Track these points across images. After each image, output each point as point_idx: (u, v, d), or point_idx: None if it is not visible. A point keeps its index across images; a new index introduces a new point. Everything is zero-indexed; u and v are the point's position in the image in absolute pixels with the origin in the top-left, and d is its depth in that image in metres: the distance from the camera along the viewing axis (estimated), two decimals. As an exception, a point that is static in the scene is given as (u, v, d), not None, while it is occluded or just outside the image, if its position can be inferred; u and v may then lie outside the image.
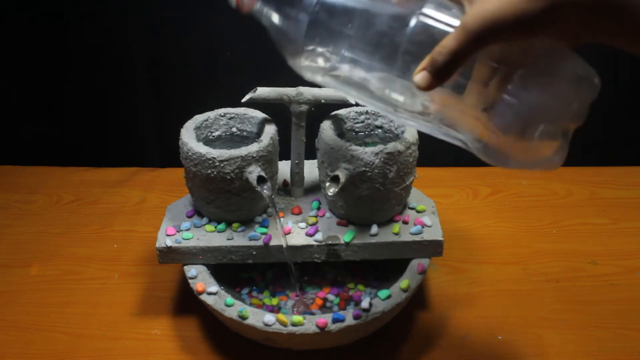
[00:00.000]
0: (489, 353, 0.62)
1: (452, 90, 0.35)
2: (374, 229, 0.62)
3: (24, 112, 0.94)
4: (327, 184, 0.59)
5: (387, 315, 0.57)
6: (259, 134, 0.65)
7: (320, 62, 0.37)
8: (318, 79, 0.39)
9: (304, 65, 0.37)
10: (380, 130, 0.68)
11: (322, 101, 0.63)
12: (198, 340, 0.64)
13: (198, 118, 0.66)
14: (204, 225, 0.64)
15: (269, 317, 0.55)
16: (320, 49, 0.36)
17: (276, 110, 0.66)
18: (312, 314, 0.63)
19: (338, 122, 0.66)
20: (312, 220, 0.64)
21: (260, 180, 0.59)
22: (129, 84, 0.90)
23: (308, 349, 0.60)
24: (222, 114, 0.67)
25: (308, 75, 0.40)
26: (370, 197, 0.60)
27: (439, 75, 0.34)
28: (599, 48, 0.91)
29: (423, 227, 0.63)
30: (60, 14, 0.84)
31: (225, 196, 0.61)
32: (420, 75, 0.34)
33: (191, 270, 0.61)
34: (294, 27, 0.36)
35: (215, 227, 0.63)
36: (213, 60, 0.88)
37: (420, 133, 0.62)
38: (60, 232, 0.82)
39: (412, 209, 0.67)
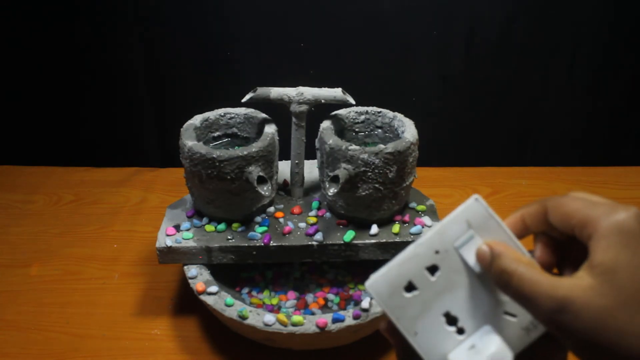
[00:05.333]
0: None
1: None
2: (374, 229, 0.62)
3: (24, 112, 0.94)
4: (327, 184, 0.59)
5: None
6: (259, 134, 0.65)
7: None
8: None
9: None
10: (380, 130, 0.68)
11: (322, 101, 0.62)
12: (198, 340, 0.64)
13: (198, 118, 0.66)
14: (204, 225, 0.64)
15: (269, 317, 0.55)
16: None
17: (276, 110, 0.67)
18: (313, 313, 0.63)
19: (338, 122, 0.66)
20: (312, 220, 0.64)
21: (260, 180, 0.59)
22: (129, 84, 0.90)
23: (308, 349, 0.60)
24: (222, 114, 0.67)
25: None
26: (370, 197, 0.60)
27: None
28: (599, 48, 0.91)
29: (423, 227, 0.63)
30: (60, 14, 0.84)
31: (225, 196, 0.61)
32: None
33: (191, 270, 0.61)
34: None
35: (215, 227, 0.63)
36: (213, 60, 0.88)
37: (420, 133, 0.62)
38: (60, 232, 0.82)
39: (412, 209, 0.67)
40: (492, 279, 0.30)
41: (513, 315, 0.31)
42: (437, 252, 0.32)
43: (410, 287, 0.32)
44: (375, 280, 0.32)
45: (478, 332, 0.31)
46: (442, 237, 0.32)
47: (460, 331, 0.32)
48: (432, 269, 0.32)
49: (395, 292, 0.32)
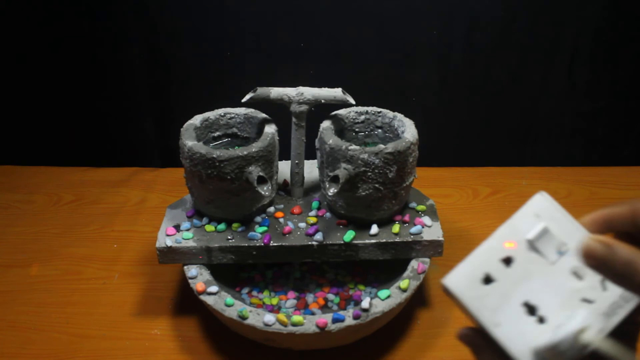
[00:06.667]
0: (489, 353, 0.62)
1: None
2: (374, 229, 0.62)
3: (24, 112, 0.94)
4: (327, 184, 0.59)
5: (387, 315, 0.57)
6: (259, 134, 0.65)
7: None
8: None
9: None
10: (380, 130, 0.68)
11: (322, 101, 0.62)
12: (198, 340, 0.64)
13: (198, 118, 0.66)
14: (204, 225, 0.64)
15: (269, 317, 0.55)
16: None
17: (276, 110, 0.67)
18: (313, 313, 0.63)
19: (338, 122, 0.66)
20: (312, 220, 0.64)
21: (260, 180, 0.59)
22: (129, 83, 0.89)
23: (308, 349, 0.60)
24: (222, 114, 0.67)
25: None
26: (370, 197, 0.60)
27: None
28: (599, 48, 0.91)
29: (423, 227, 0.63)
30: (60, 13, 0.84)
31: (225, 196, 0.61)
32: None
33: (191, 270, 0.61)
34: None
35: (215, 227, 0.63)
36: (213, 60, 0.88)
37: (420, 133, 0.62)
38: (60, 232, 0.82)
39: (412, 209, 0.67)
40: (611, 272, 0.29)
41: (590, 302, 0.32)
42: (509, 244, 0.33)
43: (487, 280, 0.33)
44: (454, 276, 0.33)
45: (560, 317, 0.32)
46: (513, 230, 0.33)
47: (541, 320, 0.32)
48: (507, 261, 0.33)
49: (473, 285, 0.32)
